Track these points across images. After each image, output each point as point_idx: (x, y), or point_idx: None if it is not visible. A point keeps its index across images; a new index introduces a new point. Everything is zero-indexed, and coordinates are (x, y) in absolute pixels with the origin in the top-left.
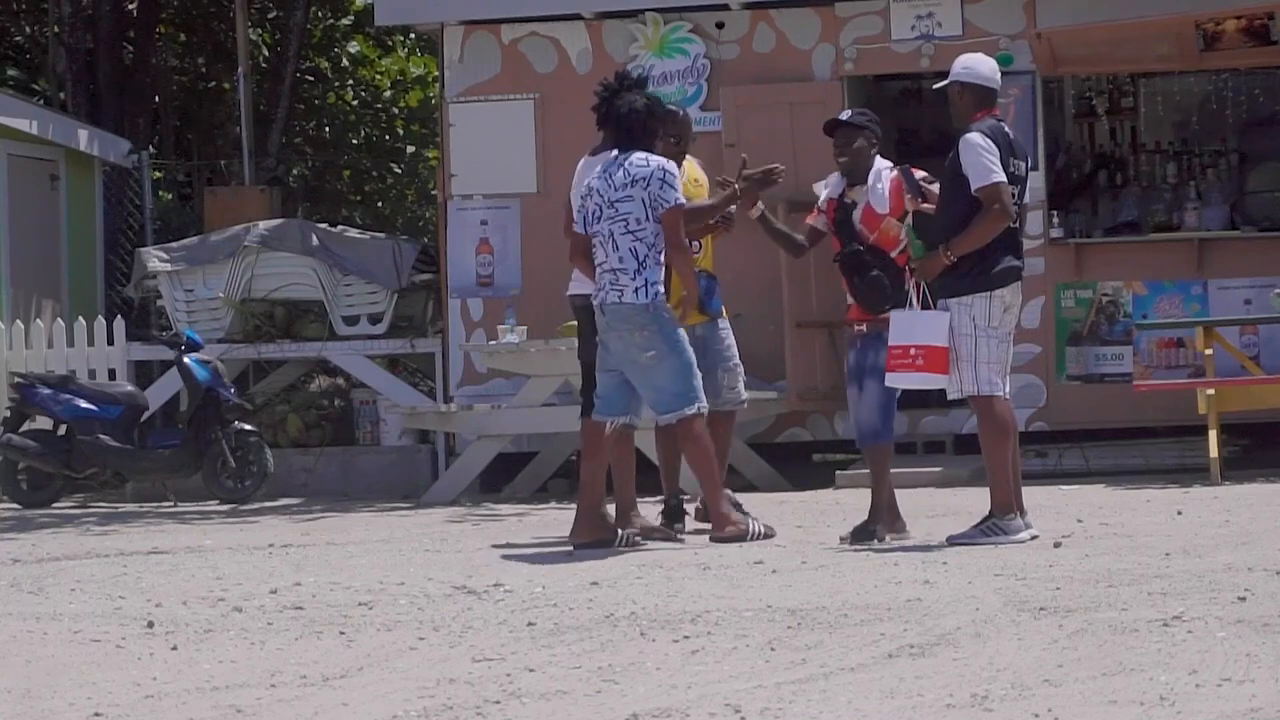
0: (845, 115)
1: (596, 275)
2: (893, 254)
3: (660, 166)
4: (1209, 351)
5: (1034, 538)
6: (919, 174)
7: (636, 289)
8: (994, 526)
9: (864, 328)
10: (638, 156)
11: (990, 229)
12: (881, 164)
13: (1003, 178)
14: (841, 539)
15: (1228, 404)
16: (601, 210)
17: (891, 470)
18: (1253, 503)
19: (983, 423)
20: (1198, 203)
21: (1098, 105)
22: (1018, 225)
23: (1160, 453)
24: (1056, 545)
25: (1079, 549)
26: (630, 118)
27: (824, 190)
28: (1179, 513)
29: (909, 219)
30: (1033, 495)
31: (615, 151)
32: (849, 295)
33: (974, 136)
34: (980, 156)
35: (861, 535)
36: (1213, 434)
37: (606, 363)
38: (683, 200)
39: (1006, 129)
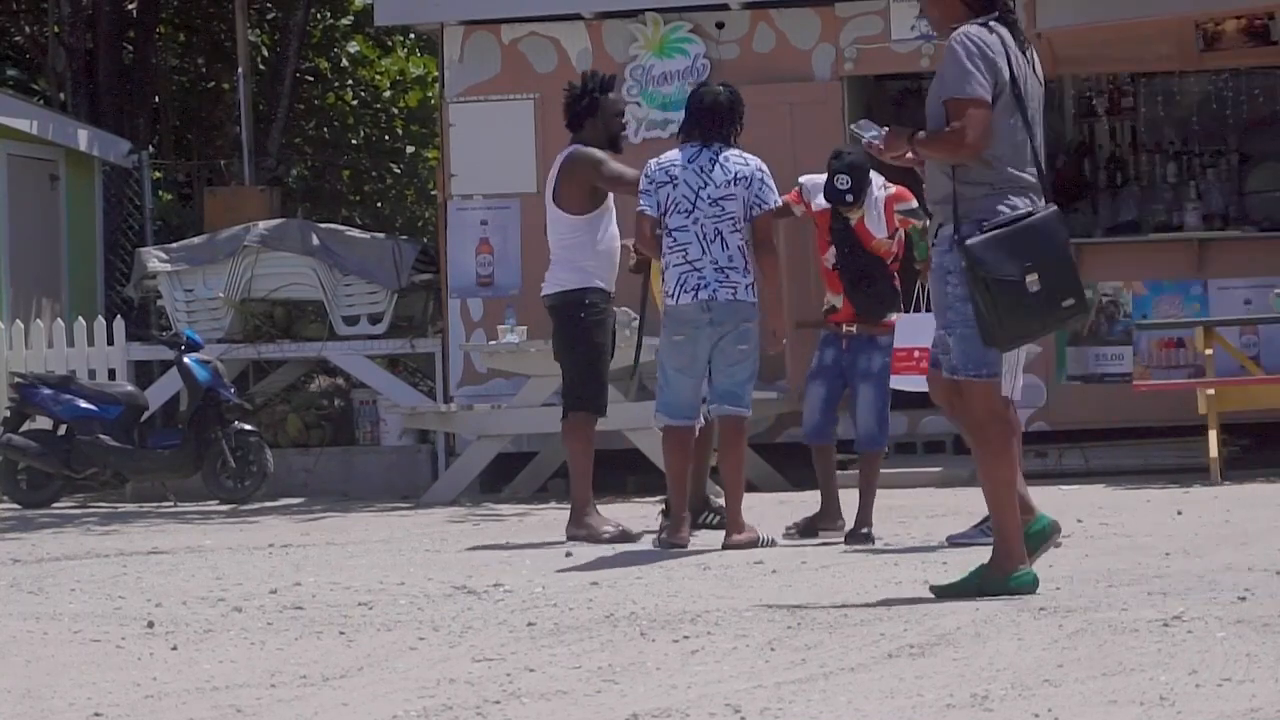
0: (849, 164)
1: (681, 270)
2: (915, 259)
3: (759, 166)
4: (1209, 351)
5: None
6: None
7: (747, 286)
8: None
9: (854, 329)
10: (735, 154)
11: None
12: (877, 182)
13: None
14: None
15: (1228, 404)
16: (695, 204)
17: (892, 470)
18: (1253, 503)
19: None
20: (1198, 203)
21: (1098, 105)
22: None
23: (1160, 453)
24: (1056, 545)
25: (1079, 549)
26: (718, 109)
27: (812, 188)
28: (1179, 513)
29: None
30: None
31: (689, 144)
32: (841, 298)
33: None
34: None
35: (857, 539)
36: (1213, 434)
37: (694, 366)
38: (779, 202)
39: None
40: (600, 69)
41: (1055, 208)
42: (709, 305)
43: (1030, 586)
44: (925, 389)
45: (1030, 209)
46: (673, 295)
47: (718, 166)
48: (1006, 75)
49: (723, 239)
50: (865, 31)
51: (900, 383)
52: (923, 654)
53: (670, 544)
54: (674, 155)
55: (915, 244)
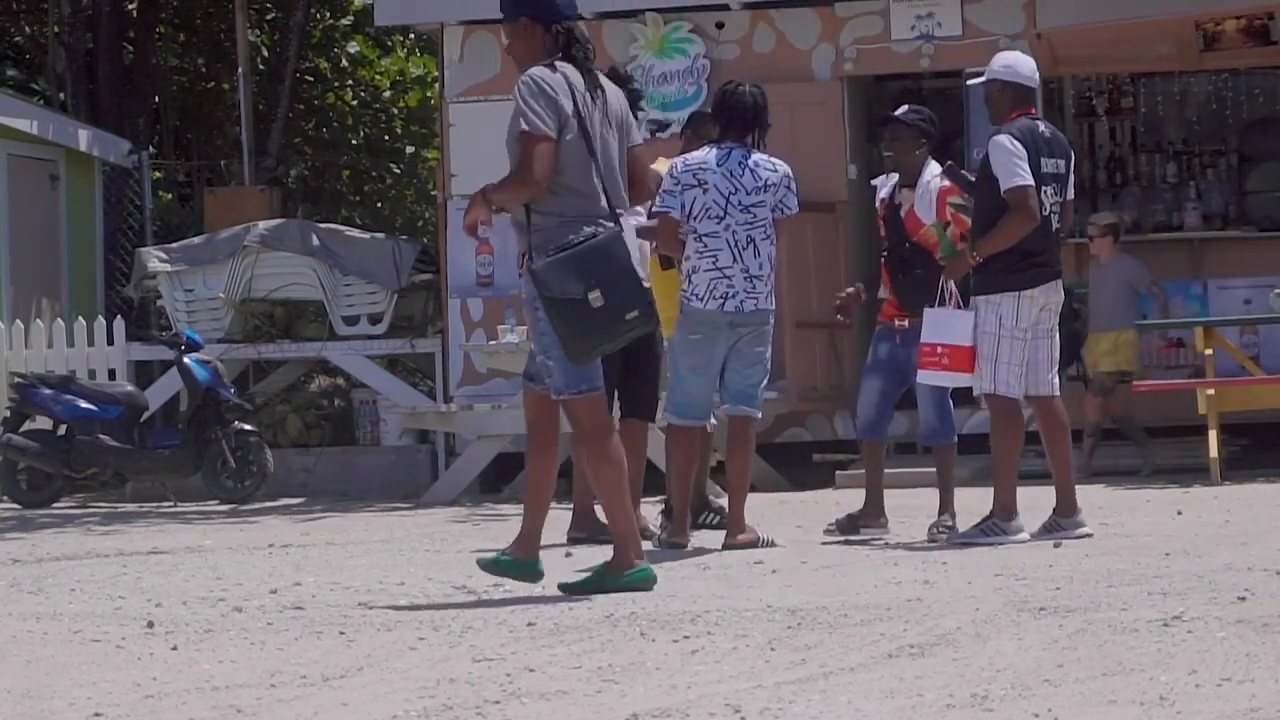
0: (900, 111)
1: (711, 277)
2: (937, 256)
3: (787, 173)
4: (1209, 351)
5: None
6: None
7: (769, 295)
8: (994, 526)
9: (906, 324)
10: (764, 160)
11: (1015, 231)
12: (932, 171)
13: (1028, 181)
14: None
15: (1228, 404)
16: (726, 210)
17: (892, 470)
18: (1253, 503)
19: (995, 422)
20: (1198, 203)
21: (1098, 105)
22: (1059, 224)
23: (1160, 453)
24: (1056, 545)
25: (1079, 549)
26: (752, 109)
27: (881, 189)
28: (1179, 513)
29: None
30: (1033, 495)
31: (719, 145)
32: (888, 292)
33: (1002, 139)
34: (1008, 159)
35: (941, 529)
36: (1213, 434)
37: (710, 366)
38: (796, 209)
39: (1041, 127)
40: (608, 66)
41: (619, 229)
42: (735, 313)
43: (647, 583)
44: (950, 384)
45: (597, 230)
46: (701, 300)
47: (748, 172)
48: (570, 110)
49: (755, 246)
50: (865, 32)
51: (925, 378)
52: (923, 654)
53: (671, 544)
54: (702, 157)
55: (940, 241)
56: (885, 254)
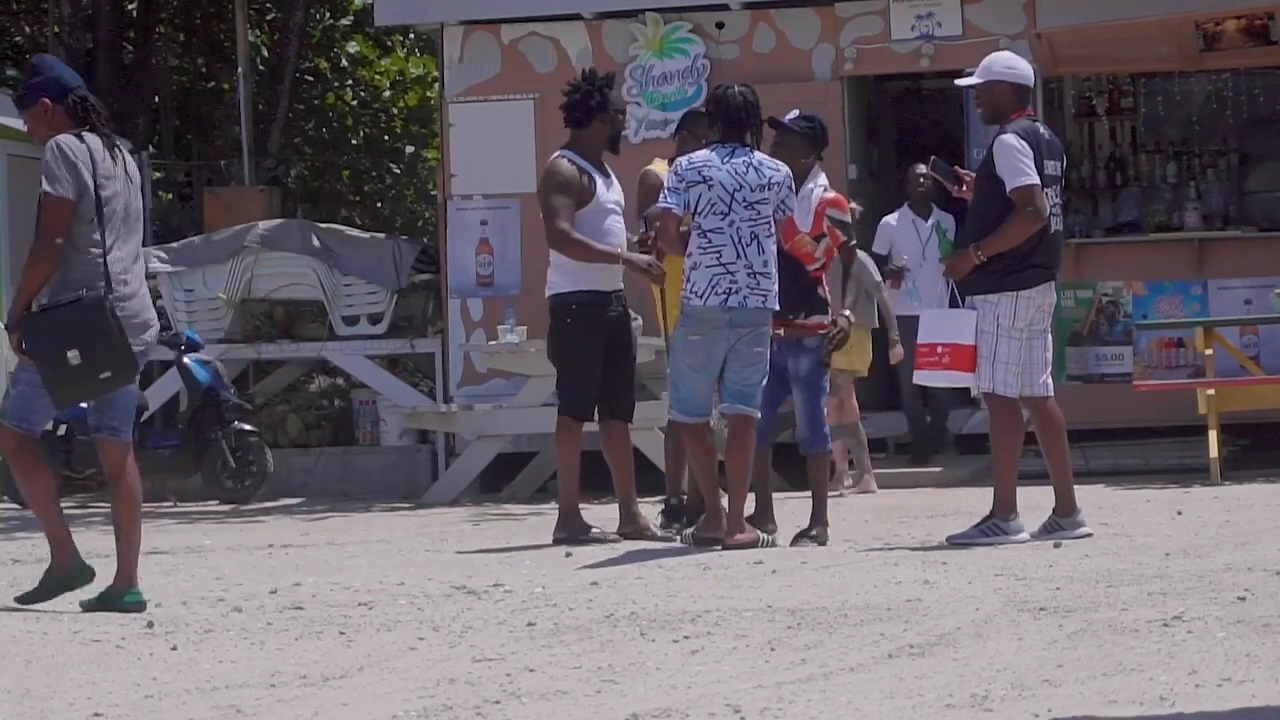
0: (789, 117)
1: (714, 272)
2: (810, 267)
3: (788, 174)
4: (1209, 351)
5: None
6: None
7: (775, 295)
8: (994, 526)
9: (780, 331)
10: (766, 159)
11: (1022, 230)
12: (818, 183)
13: (1036, 180)
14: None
15: (1228, 404)
16: (731, 206)
17: (892, 470)
18: (1253, 503)
19: (994, 422)
20: (1198, 203)
21: (1098, 105)
22: (1058, 226)
23: (1160, 453)
24: (1056, 545)
25: (1079, 549)
26: (745, 110)
27: None
28: (1179, 513)
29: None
30: (1033, 495)
31: (720, 145)
32: None
33: (1009, 138)
34: (1015, 158)
35: (806, 539)
36: (1213, 434)
37: (709, 365)
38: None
39: (1041, 129)
40: (600, 68)
41: (99, 294)
42: (737, 310)
43: (137, 605)
44: (948, 384)
45: (84, 294)
46: (701, 297)
47: (752, 170)
48: (89, 177)
49: (759, 242)
50: (865, 31)
51: (923, 378)
52: (923, 654)
53: (706, 539)
54: (706, 155)
55: (940, 242)
56: None
